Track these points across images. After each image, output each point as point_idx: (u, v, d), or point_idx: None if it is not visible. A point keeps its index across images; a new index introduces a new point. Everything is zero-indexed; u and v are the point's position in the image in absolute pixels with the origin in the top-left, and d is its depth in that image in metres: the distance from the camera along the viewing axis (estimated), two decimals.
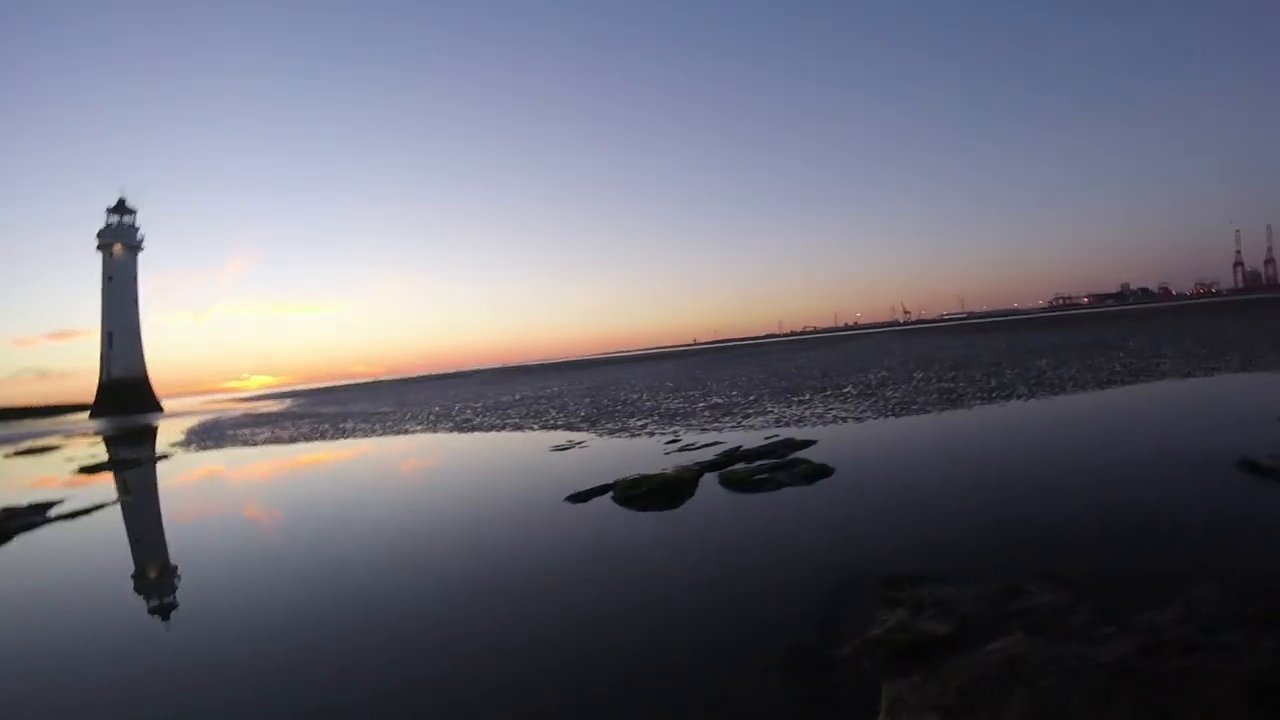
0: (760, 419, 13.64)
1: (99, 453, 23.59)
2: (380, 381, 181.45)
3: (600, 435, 13.86)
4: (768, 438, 10.67)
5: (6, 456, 25.77)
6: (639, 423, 15.31)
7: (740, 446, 9.99)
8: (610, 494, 7.87)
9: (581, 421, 16.99)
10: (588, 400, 24.14)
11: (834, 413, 13.33)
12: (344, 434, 21.15)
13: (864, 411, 13.04)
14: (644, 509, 7.13)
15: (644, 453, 10.80)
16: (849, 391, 17.37)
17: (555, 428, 16.27)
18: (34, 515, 10.50)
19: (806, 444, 9.74)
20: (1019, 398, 12.85)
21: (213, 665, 4.16)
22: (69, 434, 40.29)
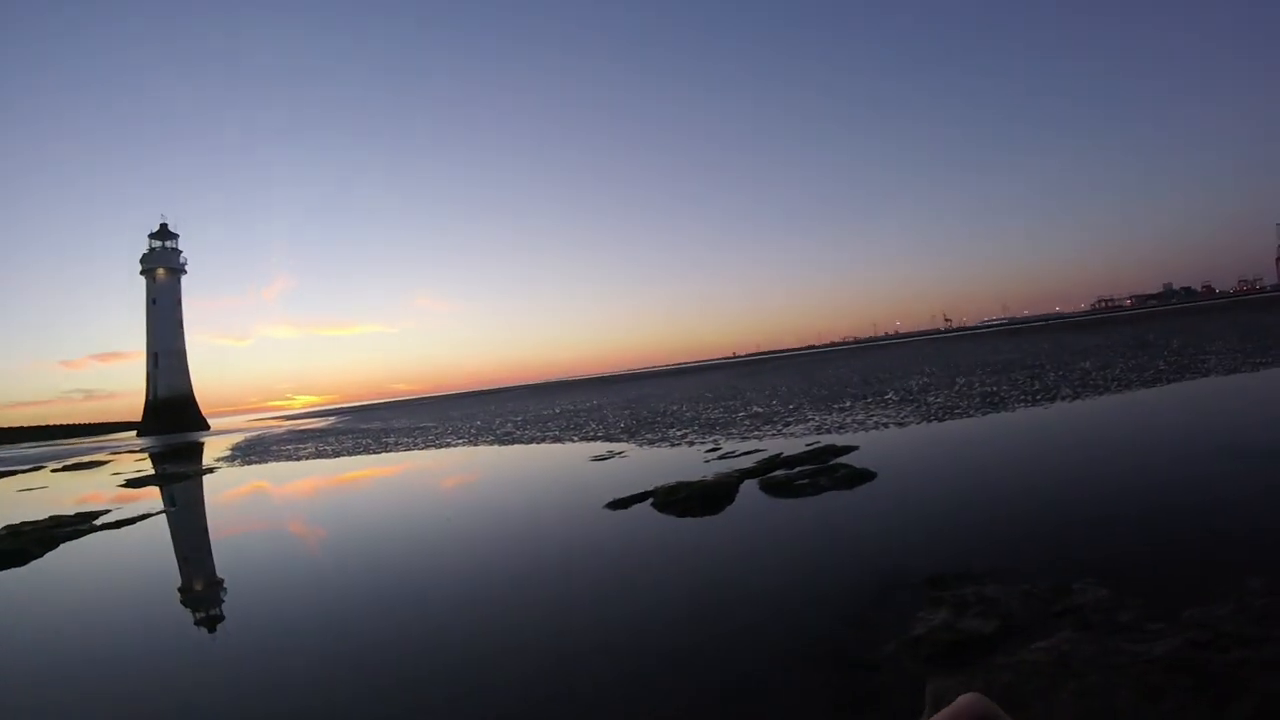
0: (801, 426, 13.57)
1: (145, 467, 24.10)
2: (422, 399, 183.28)
3: (640, 445, 13.87)
4: (809, 444, 10.61)
5: (55, 471, 26.33)
6: (679, 433, 15.31)
7: (781, 453, 9.93)
8: (650, 501, 7.86)
9: (621, 433, 17.02)
10: (627, 412, 24.19)
11: (875, 419, 13.23)
12: (386, 448, 21.37)
13: (906, 417, 12.93)
14: (683, 515, 7.12)
15: (684, 461, 10.78)
16: (890, 398, 17.22)
17: (595, 439, 16.32)
18: (80, 524, 10.72)
19: (848, 450, 9.66)
20: (1063, 399, 12.66)
21: (253, 670, 4.19)
22: (116, 451, 41.21)
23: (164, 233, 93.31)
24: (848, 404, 17.08)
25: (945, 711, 0.33)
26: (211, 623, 5.43)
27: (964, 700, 0.33)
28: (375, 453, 20.29)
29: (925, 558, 4.71)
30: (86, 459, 33.19)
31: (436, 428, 29.29)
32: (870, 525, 5.97)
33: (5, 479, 24.96)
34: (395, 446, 21.58)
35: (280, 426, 63.13)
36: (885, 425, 12.14)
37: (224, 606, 5.85)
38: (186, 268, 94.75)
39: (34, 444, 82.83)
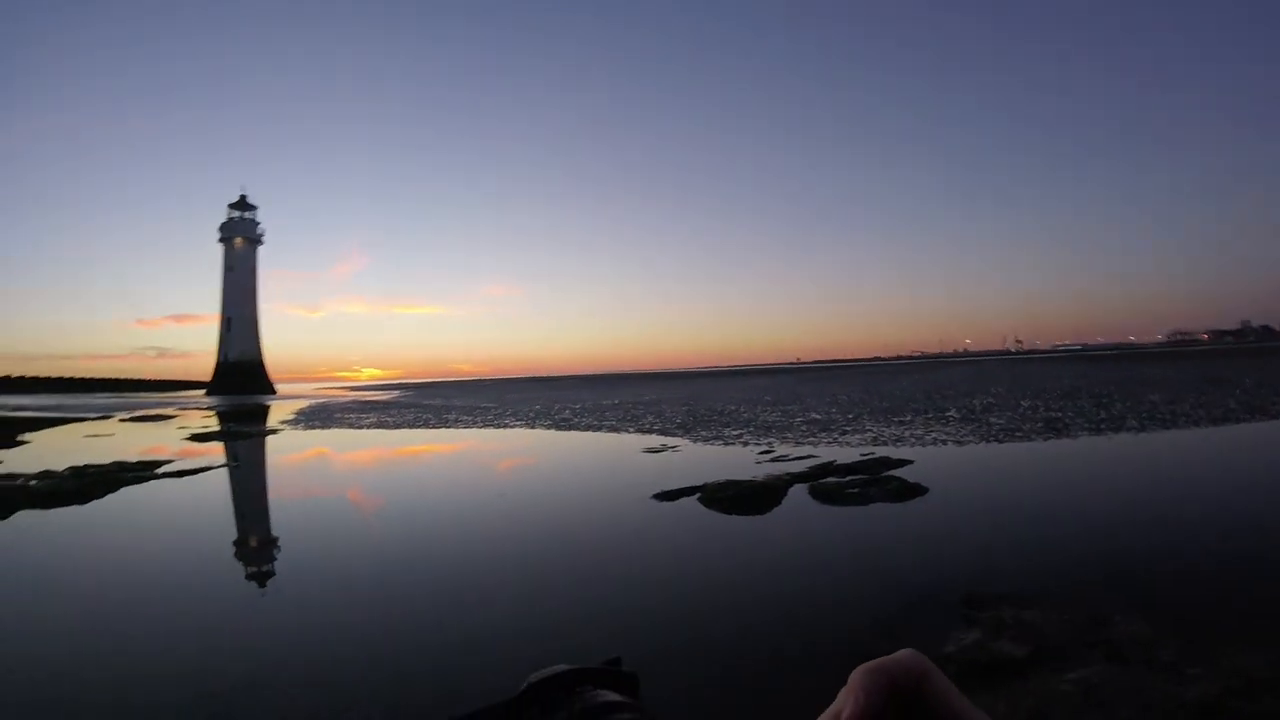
0: (858, 436, 13.46)
1: (211, 424, 24.90)
2: (483, 380, 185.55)
3: (694, 441, 13.90)
4: (863, 454, 10.52)
5: (123, 421, 27.30)
6: (734, 432, 15.29)
7: (834, 461, 9.89)
8: (697, 496, 7.88)
9: (676, 428, 17.05)
10: (684, 409, 24.20)
11: (934, 435, 13.06)
12: (446, 424, 21.74)
13: (965, 435, 12.74)
14: (729, 512, 7.13)
15: (736, 460, 10.78)
16: (951, 415, 16.98)
17: (650, 432, 16.39)
18: (142, 471, 11.19)
19: (902, 463, 9.57)
20: (1128, 430, 12.36)
21: (289, 621, 4.32)
22: (184, 407, 42.62)
23: (243, 204, 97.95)
24: (908, 418, 16.87)
25: (883, 660, 0.32)
26: (259, 575, 5.63)
27: (903, 654, 0.33)
28: (434, 428, 20.72)
29: (966, 576, 4.66)
30: (155, 412, 34.47)
31: (496, 409, 29.66)
32: (915, 539, 5.93)
33: (75, 424, 26.03)
34: (454, 423, 21.93)
35: (345, 396, 64.69)
36: (943, 442, 11.98)
37: (271, 560, 6.07)
38: (263, 238, 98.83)
39: (106, 395, 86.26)
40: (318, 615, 4.44)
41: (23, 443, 18.45)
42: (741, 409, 22.95)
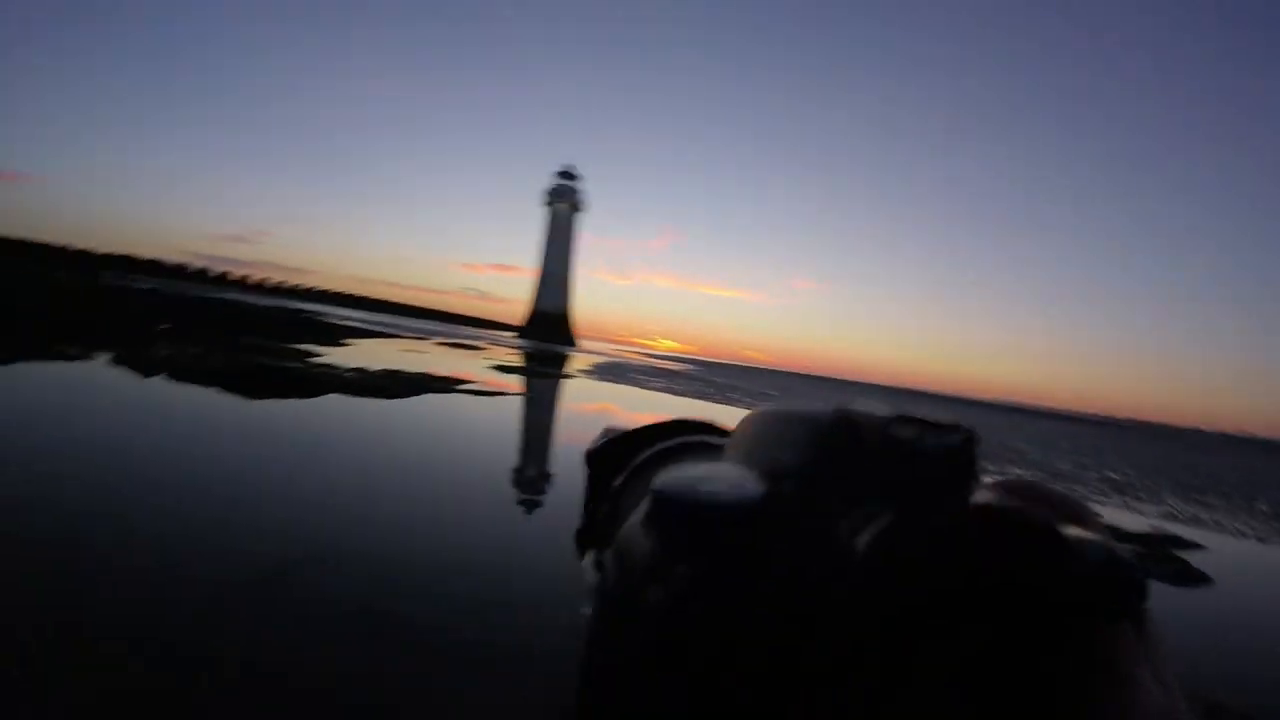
0: (1151, 506, 12.71)
1: (515, 361, 27.07)
2: (773, 370, 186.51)
3: None
4: (1151, 526, 10.02)
5: (438, 345, 30.41)
6: (1016, 471, 14.75)
7: (1118, 527, 9.42)
8: None
9: None
10: None
11: (1238, 525, 12.06)
12: (729, 401, 22.44)
13: (1274, 534, 11.68)
14: None
15: None
16: (1262, 509, 15.45)
17: None
18: (446, 384, 13.12)
19: (1192, 546, 9.02)
20: None
21: (530, 550, 4.88)
22: (495, 343, 46.50)
23: (568, 174, 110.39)
24: (1212, 500, 15.55)
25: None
26: (527, 501, 6.38)
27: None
28: (716, 402, 21.45)
29: (1220, 682, 4.52)
30: (468, 342, 37.90)
31: (779, 398, 29.98)
32: (1180, 628, 5.72)
33: (395, 339, 29.52)
34: (736, 402, 22.56)
35: (639, 360, 67.70)
36: (1245, 535, 11.07)
37: (539, 486, 6.89)
38: (584, 206, 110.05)
39: (428, 321, 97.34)
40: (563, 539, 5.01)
41: (347, 344, 21.26)
42: (1032, 449, 21.95)
